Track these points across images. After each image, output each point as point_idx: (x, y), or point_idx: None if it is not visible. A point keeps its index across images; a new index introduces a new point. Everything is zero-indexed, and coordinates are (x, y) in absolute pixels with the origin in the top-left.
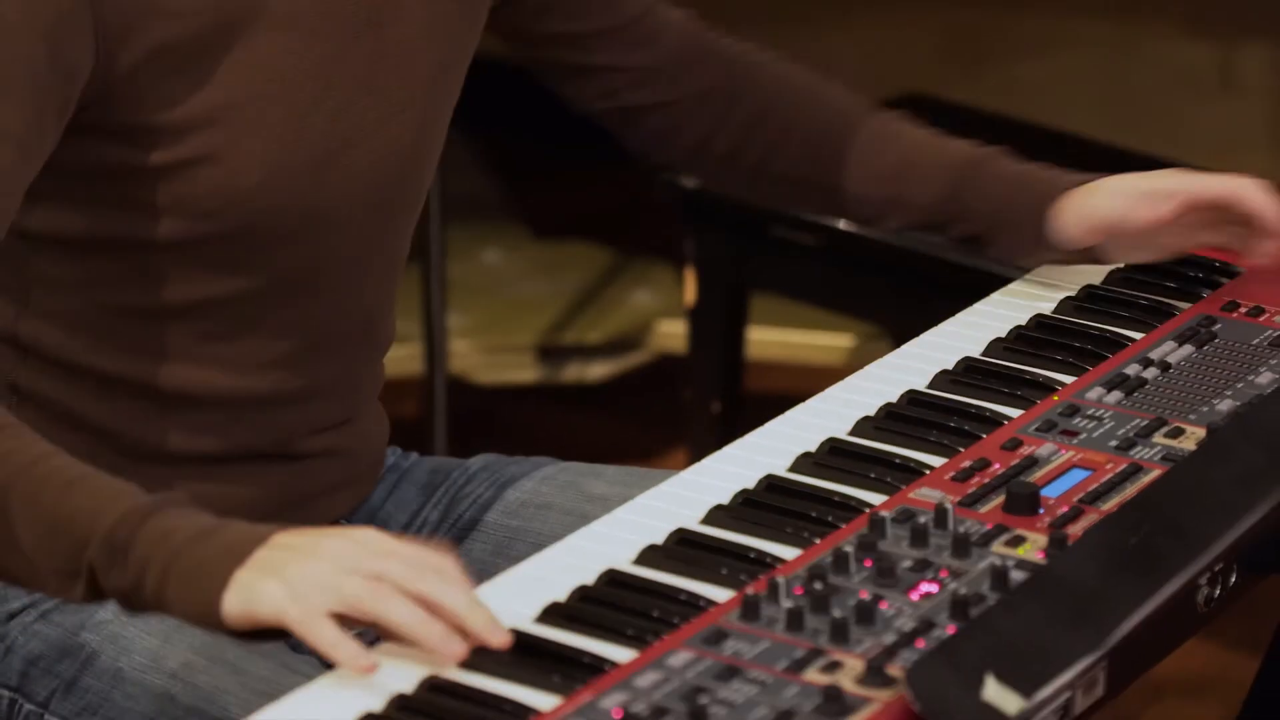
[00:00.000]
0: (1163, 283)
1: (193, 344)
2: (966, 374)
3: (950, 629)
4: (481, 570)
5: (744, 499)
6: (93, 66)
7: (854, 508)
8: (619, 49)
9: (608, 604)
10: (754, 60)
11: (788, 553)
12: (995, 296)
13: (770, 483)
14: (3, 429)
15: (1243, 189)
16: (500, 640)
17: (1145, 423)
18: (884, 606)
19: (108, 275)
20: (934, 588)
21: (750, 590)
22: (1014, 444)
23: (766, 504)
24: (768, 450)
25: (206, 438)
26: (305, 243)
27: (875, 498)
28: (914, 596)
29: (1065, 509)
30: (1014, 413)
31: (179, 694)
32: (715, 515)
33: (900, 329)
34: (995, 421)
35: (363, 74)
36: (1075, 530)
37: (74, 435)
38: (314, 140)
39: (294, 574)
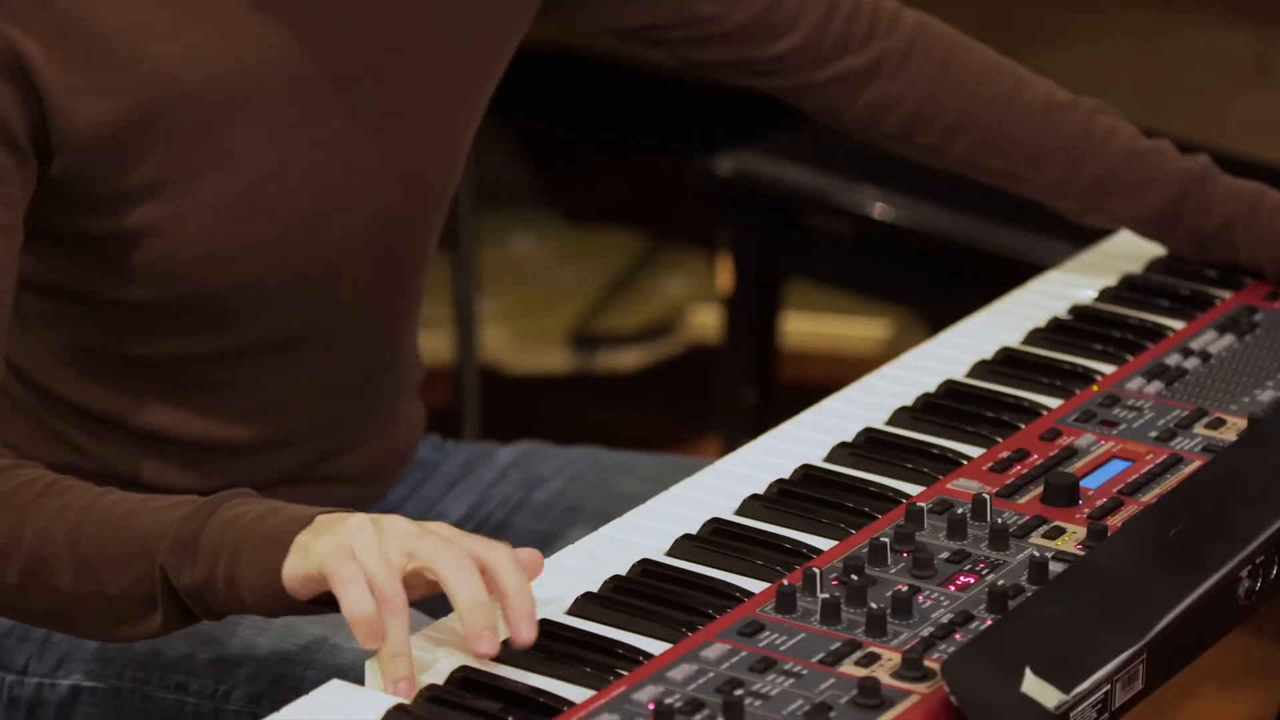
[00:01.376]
0: (1203, 272)
1: (170, 390)
2: (1005, 364)
3: (988, 621)
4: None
5: (779, 489)
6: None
7: (891, 498)
8: (754, 43)
9: (642, 595)
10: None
11: (824, 544)
12: (1034, 285)
13: (806, 473)
14: (50, 486)
15: None
16: (526, 638)
17: (1186, 413)
18: (921, 598)
19: (80, 321)
20: (971, 579)
21: (786, 581)
22: (1053, 434)
23: (802, 494)
24: (803, 440)
25: (184, 474)
26: (280, 307)
27: (912, 488)
28: (951, 588)
29: (1104, 500)
30: (1053, 403)
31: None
32: (750, 505)
33: (937, 317)
34: (1034, 412)
35: (332, 140)
36: (1115, 522)
37: (58, 454)
38: (270, 215)
39: (349, 531)
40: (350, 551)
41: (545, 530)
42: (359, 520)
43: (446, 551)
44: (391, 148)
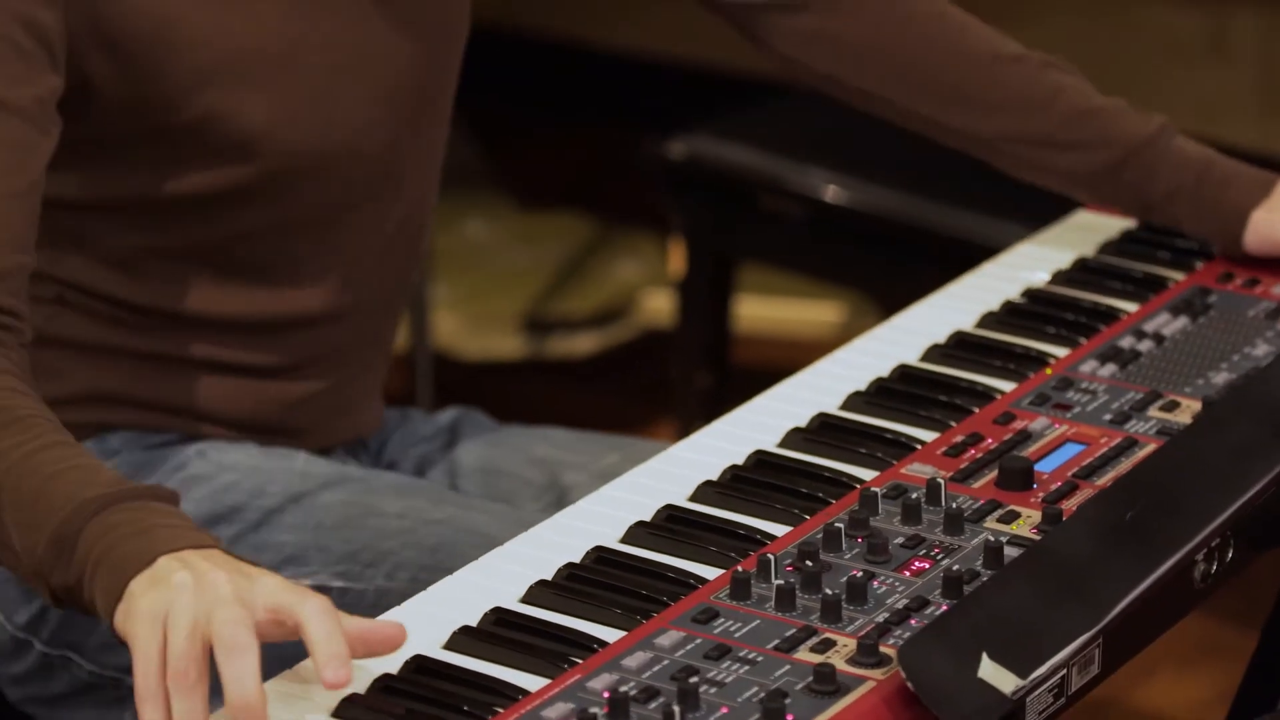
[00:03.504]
0: (1156, 254)
1: (231, 275)
2: (958, 347)
3: (944, 607)
4: (439, 544)
5: (733, 475)
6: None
7: (845, 484)
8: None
9: (596, 582)
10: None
11: (778, 530)
12: (986, 268)
13: (760, 458)
14: (14, 422)
15: None
16: (332, 680)
17: (1140, 396)
18: (876, 584)
19: (142, 224)
20: (927, 565)
21: (740, 568)
22: (1007, 418)
23: (756, 480)
24: (757, 425)
25: (262, 355)
26: (322, 174)
27: (866, 473)
28: (906, 574)
29: (1059, 484)
30: (1006, 386)
31: None
32: (704, 492)
33: (890, 300)
34: (987, 395)
35: (350, 5)
36: (1069, 506)
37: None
38: (304, 77)
39: (170, 593)
40: (160, 618)
41: (468, 492)
42: (181, 580)
43: (242, 629)
44: (404, 8)
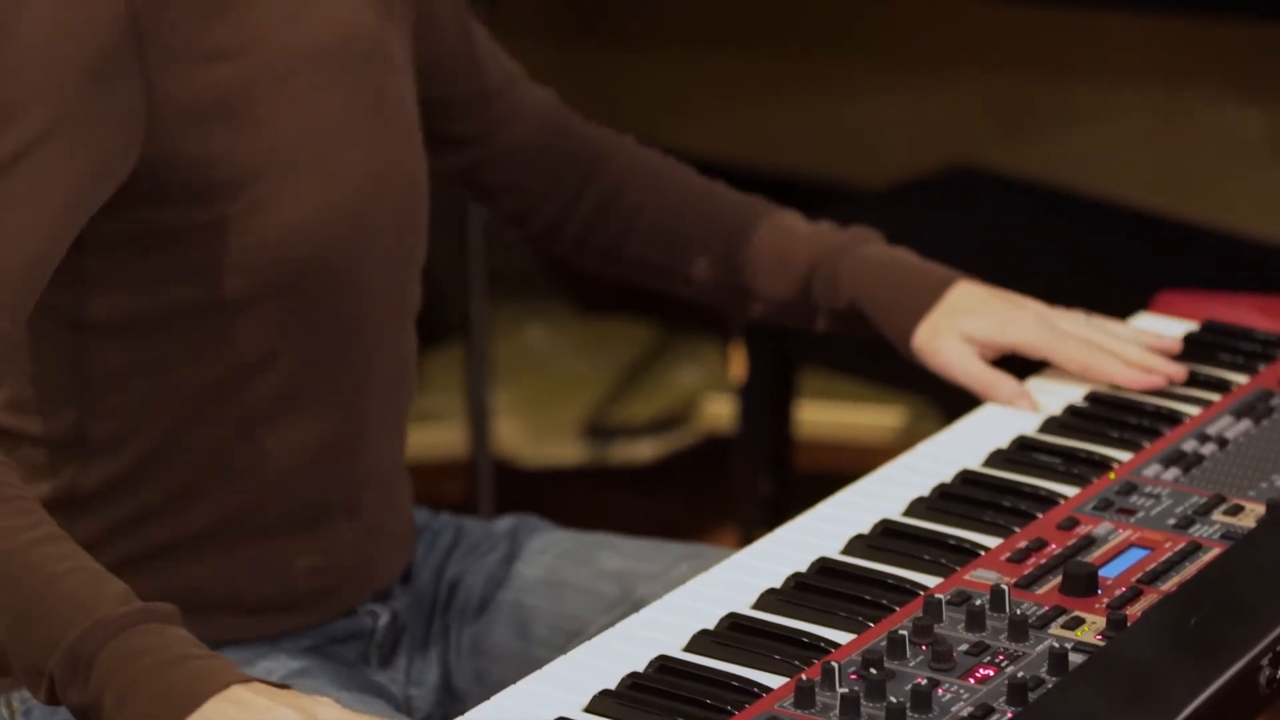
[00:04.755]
0: (1219, 355)
1: (252, 410)
2: (1021, 452)
3: (1009, 714)
4: (506, 653)
5: (796, 582)
6: (144, 113)
7: (909, 590)
8: (479, 121)
9: (659, 692)
10: (608, 147)
11: (842, 637)
12: (1048, 371)
13: (823, 565)
14: (8, 501)
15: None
16: None
17: (1203, 500)
18: (941, 691)
19: (166, 354)
20: (991, 671)
21: (804, 676)
22: (1070, 523)
23: (819, 587)
24: (820, 532)
25: (270, 505)
26: (348, 286)
27: (930, 580)
28: (971, 681)
29: (1123, 589)
30: (1070, 491)
31: None
32: (767, 599)
33: (952, 405)
34: (1051, 500)
35: (375, 106)
36: (1134, 611)
37: (130, 538)
38: (350, 176)
39: None
40: None
41: (534, 605)
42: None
43: None
44: (405, 128)
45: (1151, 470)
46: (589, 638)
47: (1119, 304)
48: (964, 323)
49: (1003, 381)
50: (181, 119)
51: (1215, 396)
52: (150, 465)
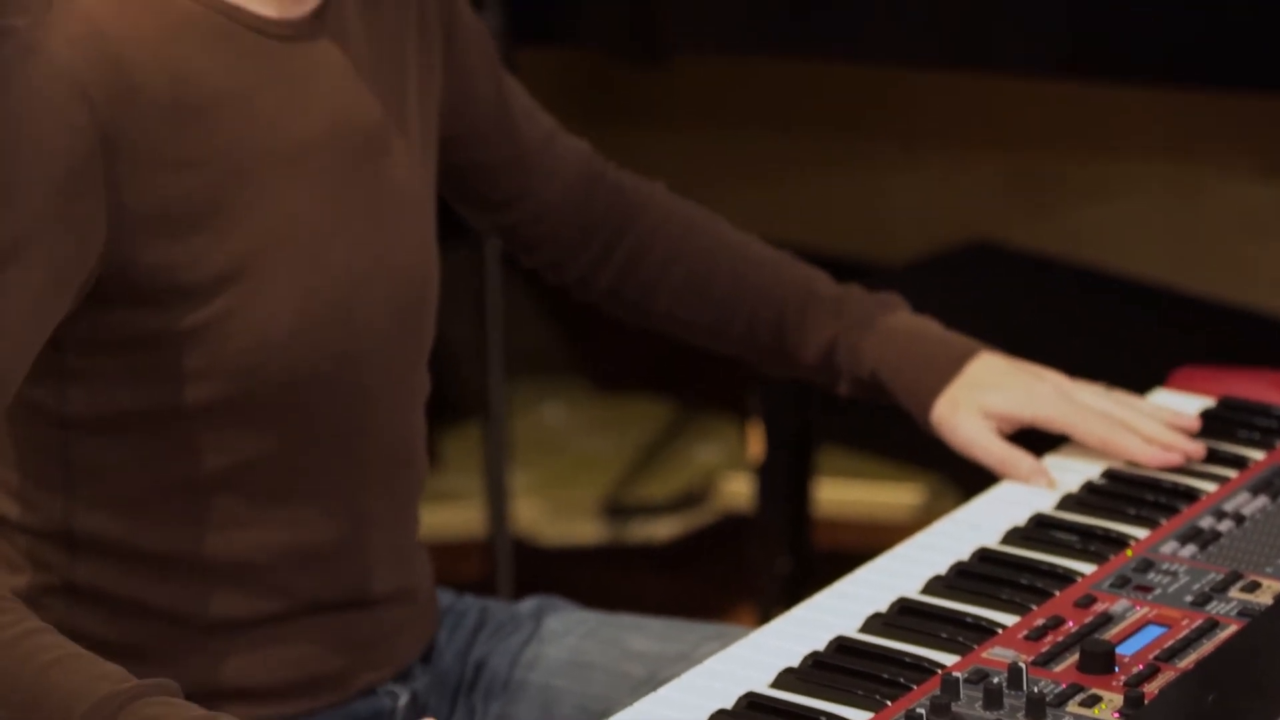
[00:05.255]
0: (1236, 432)
1: (245, 508)
2: (1038, 529)
3: None
4: None
5: (814, 661)
6: (106, 224)
7: (926, 669)
8: (518, 183)
9: None
10: (642, 197)
11: (860, 716)
12: (1065, 448)
13: (840, 644)
14: None
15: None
16: None
17: (1220, 577)
18: None
19: (152, 451)
20: None
21: None
22: (1088, 601)
23: (837, 666)
24: (837, 610)
25: (273, 599)
26: (339, 384)
27: (948, 658)
28: None
29: (1141, 667)
30: (1087, 568)
31: None
32: (785, 678)
33: (969, 483)
34: (1068, 578)
35: (369, 207)
36: (1151, 689)
37: (134, 622)
38: (334, 278)
39: None
40: None
41: (562, 686)
42: None
43: None
44: (404, 219)
45: (1169, 547)
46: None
47: (1136, 380)
48: (983, 397)
49: (1020, 459)
50: (147, 226)
51: (1232, 473)
52: (141, 562)
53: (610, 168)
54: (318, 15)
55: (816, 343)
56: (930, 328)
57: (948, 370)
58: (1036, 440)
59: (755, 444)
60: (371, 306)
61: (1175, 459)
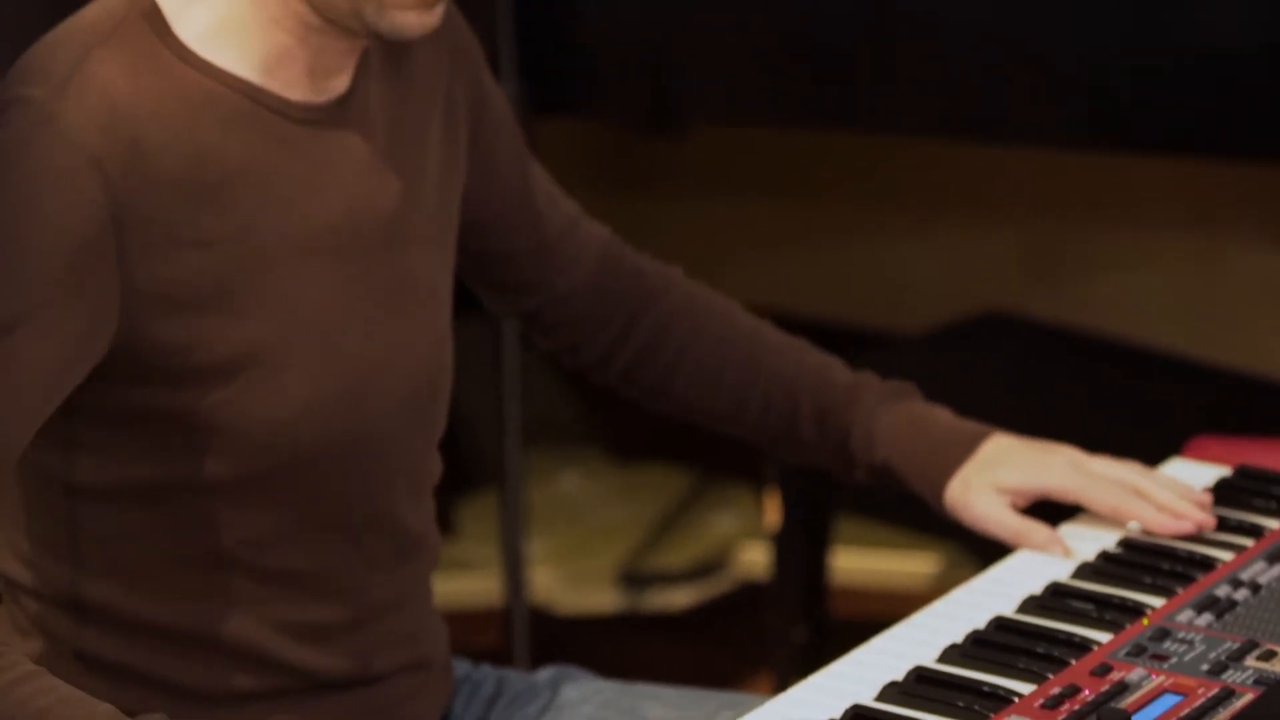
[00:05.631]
0: (1252, 501)
1: (251, 585)
2: (1054, 598)
3: None
4: None
5: None
6: (118, 299)
7: None
8: (540, 270)
9: None
10: (659, 283)
11: None
12: (1081, 516)
13: (856, 713)
14: None
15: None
16: None
17: (1237, 645)
18: None
19: (158, 523)
20: None
21: None
22: (1104, 669)
23: None
24: (853, 679)
25: (280, 675)
26: (348, 468)
27: None
28: None
29: None
30: (1103, 637)
31: None
32: None
33: (986, 551)
34: (1084, 647)
35: (384, 295)
36: None
37: (141, 692)
38: (347, 366)
39: None
40: None
41: None
42: None
43: None
44: (420, 309)
45: (1184, 616)
46: None
47: (1152, 450)
48: (995, 474)
49: (1035, 529)
50: (159, 304)
51: (1248, 542)
52: (147, 632)
53: (629, 252)
54: (341, 102)
55: (830, 433)
56: (942, 415)
57: (959, 454)
58: (1051, 512)
59: (772, 513)
60: (383, 396)
61: (1188, 527)
